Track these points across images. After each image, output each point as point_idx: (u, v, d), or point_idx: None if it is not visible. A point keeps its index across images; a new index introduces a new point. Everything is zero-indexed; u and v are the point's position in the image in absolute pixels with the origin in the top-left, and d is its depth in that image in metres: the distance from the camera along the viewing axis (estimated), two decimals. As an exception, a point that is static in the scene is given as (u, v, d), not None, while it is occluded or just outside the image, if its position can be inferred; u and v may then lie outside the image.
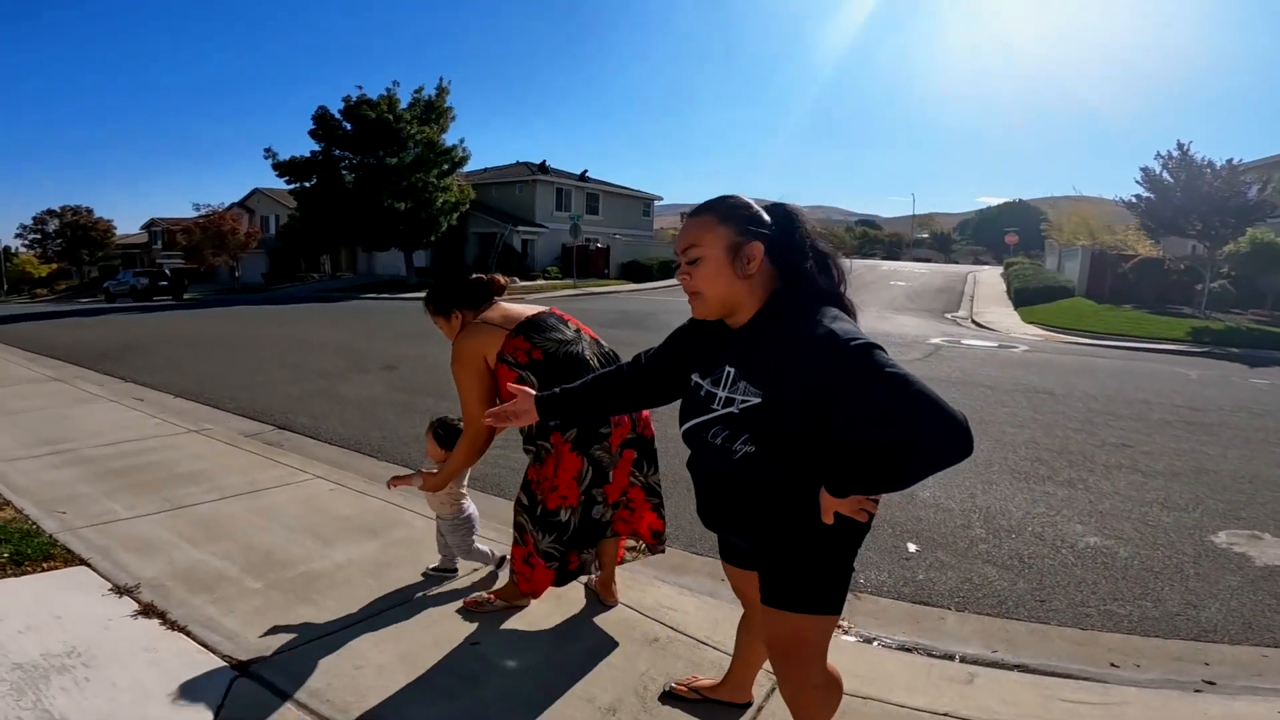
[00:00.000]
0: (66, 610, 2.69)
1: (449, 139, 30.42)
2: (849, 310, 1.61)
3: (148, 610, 2.72)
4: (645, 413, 2.79)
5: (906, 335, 14.27)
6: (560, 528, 2.59)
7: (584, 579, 2.95)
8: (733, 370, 1.60)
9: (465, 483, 3.08)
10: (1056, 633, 2.95)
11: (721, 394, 1.60)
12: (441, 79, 30.55)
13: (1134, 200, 22.11)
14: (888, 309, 21.08)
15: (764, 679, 2.29)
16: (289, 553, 3.29)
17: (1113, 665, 2.69)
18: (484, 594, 2.83)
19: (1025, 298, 23.30)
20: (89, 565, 3.10)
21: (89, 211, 59.02)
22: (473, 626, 2.66)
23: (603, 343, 2.79)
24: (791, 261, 1.61)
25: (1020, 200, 77.00)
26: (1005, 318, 19.83)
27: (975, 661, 2.65)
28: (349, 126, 28.84)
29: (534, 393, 2.03)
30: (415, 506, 3.77)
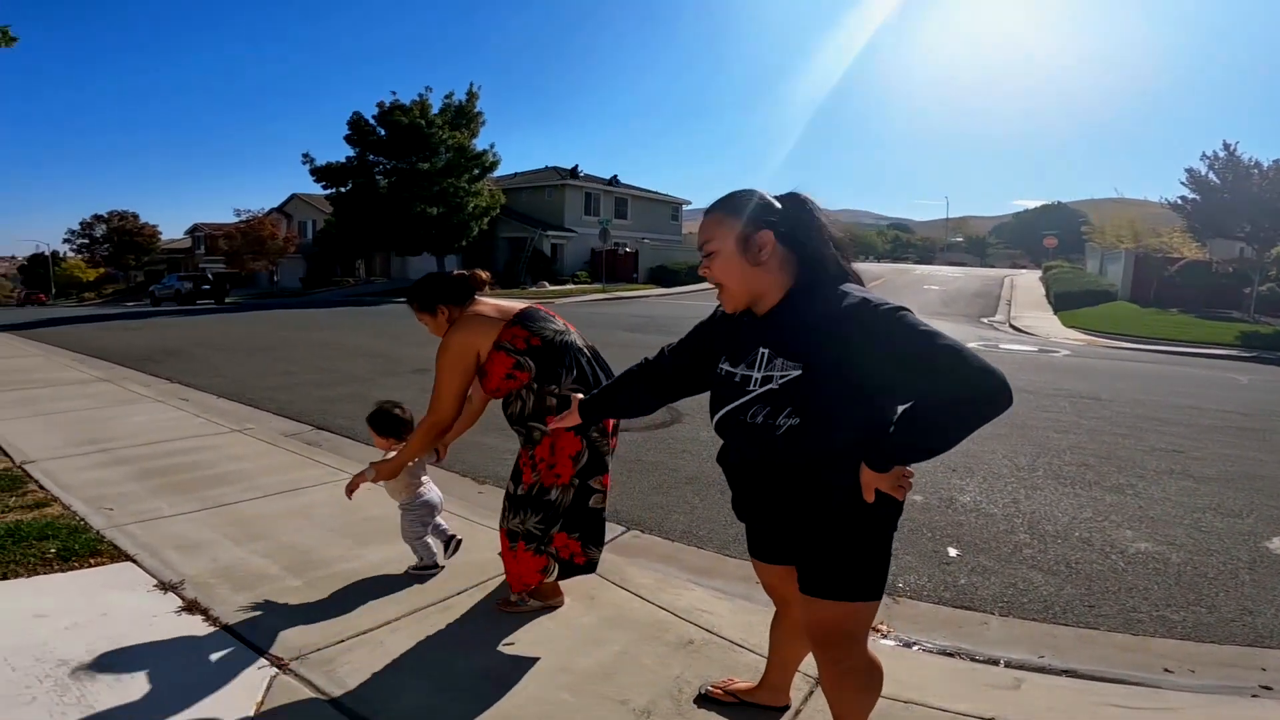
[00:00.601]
0: (112, 607, 2.75)
1: (479, 144, 30.72)
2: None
3: (191, 607, 2.76)
4: None
5: (942, 338, 14.03)
6: (548, 506, 2.61)
7: (608, 577, 2.94)
8: (767, 351, 1.63)
9: (425, 469, 3.12)
10: (1105, 638, 2.86)
11: (758, 374, 1.63)
12: (472, 84, 30.83)
13: (1179, 202, 21.58)
14: (921, 314, 20.68)
15: (801, 682, 2.25)
16: (328, 552, 3.32)
17: (1166, 670, 2.60)
18: (518, 595, 2.82)
19: (1065, 302, 22.82)
20: (135, 561, 3.17)
21: (135, 217, 60.31)
22: (506, 628, 2.65)
23: (583, 336, 2.84)
24: (808, 244, 1.66)
25: (1059, 203, 75.53)
26: (1045, 322, 19.44)
27: (1021, 666, 2.58)
28: (383, 132, 29.24)
29: (581, 397, 2.13)
30: (449, 507, 3.78)
